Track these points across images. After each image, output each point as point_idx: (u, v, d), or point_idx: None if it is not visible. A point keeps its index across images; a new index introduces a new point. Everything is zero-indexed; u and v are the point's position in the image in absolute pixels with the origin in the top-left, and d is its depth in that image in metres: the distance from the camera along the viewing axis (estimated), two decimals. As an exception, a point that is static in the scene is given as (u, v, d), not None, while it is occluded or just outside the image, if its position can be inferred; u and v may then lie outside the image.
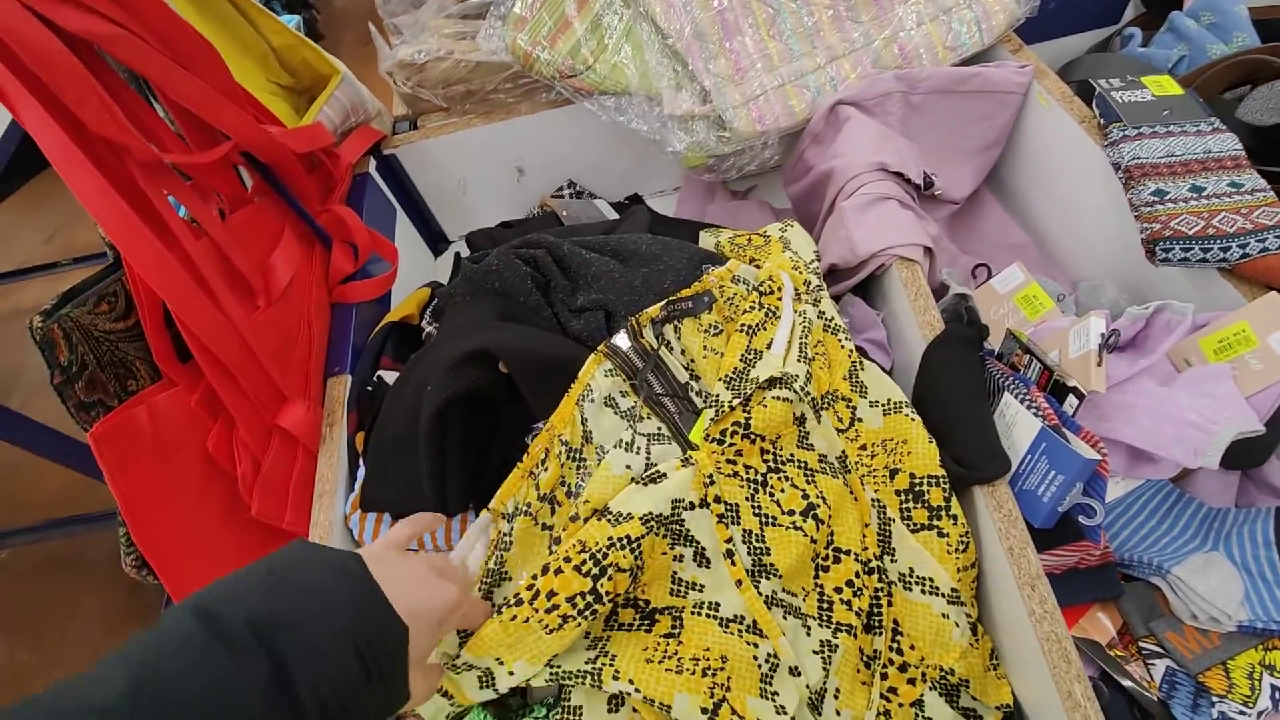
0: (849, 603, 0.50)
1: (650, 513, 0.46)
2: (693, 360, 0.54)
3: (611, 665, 0.46)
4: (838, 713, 0.48)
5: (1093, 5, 0.95)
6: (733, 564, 0.48)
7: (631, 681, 0.45)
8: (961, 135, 0.80)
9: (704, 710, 0.45)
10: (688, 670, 0.46)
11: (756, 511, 0.50)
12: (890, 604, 0.51)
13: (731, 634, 0.47)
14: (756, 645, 0.47)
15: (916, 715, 0.49)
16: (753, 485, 0.51)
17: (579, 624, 0.44)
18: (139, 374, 0.63)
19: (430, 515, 0.47)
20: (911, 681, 0.50)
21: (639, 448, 0.50)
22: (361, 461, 0.61)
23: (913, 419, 0.55)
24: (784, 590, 0.50)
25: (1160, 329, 0.61)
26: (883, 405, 0.57)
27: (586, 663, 0.46)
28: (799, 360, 0.54)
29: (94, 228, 0.53)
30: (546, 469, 0.50)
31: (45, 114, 0.46)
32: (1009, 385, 0.56)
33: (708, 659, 0.46)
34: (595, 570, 0.44)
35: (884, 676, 0.50)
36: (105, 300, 0.60)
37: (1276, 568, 0.52)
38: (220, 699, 0.29)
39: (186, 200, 0.58)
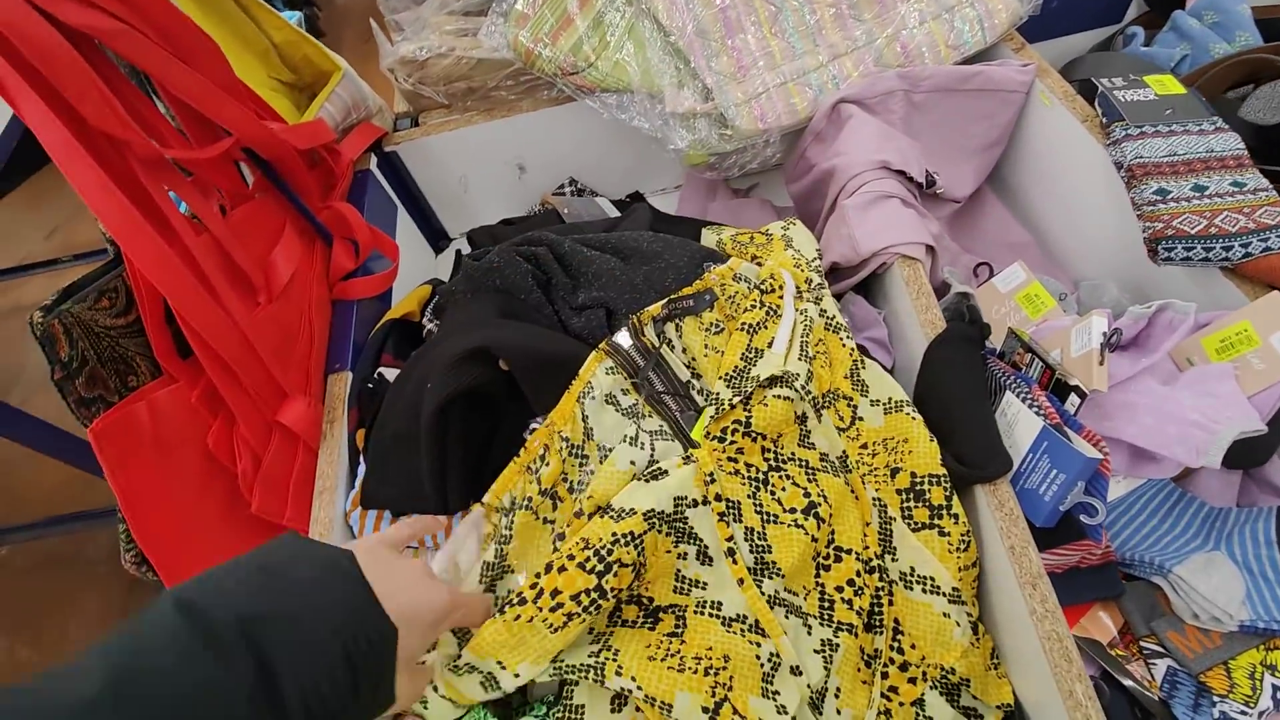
0: (850, 602, 0.50)
1: (653, 509, 0.46)
2: (694, 358, 0.54)
3: (614, 661, 0.45)
4: (838, 712, 0.48)
5: (1095, 4, 0.95)
6: (734, 562, 0.48)
7: (634, 678, 0.45)
8: (964, 134, 0.80)
9: (705, 710, 0.45)
10: (690, 669, 0.46)
11: (758, 509, 0.50)
12: (891, 603, 0.51)
13: (734, 633, 0.47)
14: (759, 645, 0.47)
15: (917, 714, 0.49)
16: (754, 483, 0.51)
17: (584, 620, 0.44)
18: (139, 370, 0.63)
19: (431, 518, 0.47)
20: (912, 680, 0.50)
21: (643, 443, 0.50)
22: (362, 459, 0.61)
23: (914, 418, 0.55)
24: (786, 590, 0.50)
25: (1162, 328, 0.61)
26: (884, 404, 0.57)
27: (590, 657, 0.46)
28: (800, 359, 0.54)
29: (95, 224, 0.53)
30: (548, 464, 0.49)
31: (46, 109, 0.45)
32: (1010, 384, 0.56)
33: (710, 658, 0.46)
34: (600, 567, 0.44)
35: (884, 676, 0.50)
36: (106, 296, 0.60)
37: (1278, 567, 0.51)
38: (204, 700, 0.28)
39: (187, 196, 0.58)
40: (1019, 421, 0.54)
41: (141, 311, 0.57)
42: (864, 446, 0.56)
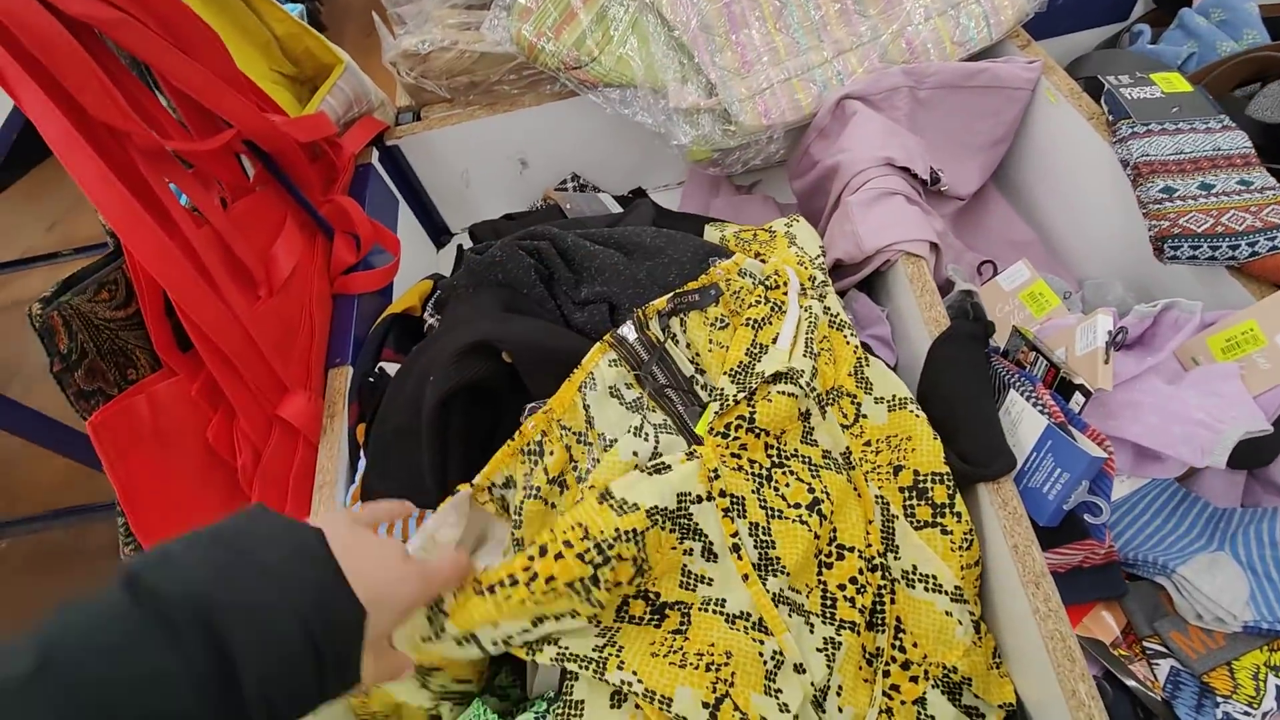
0: (852, 600, 0.50)
1: (656, 506, 0.46)
2: (697, 354, 0.54)
3: (617, 656, 0.45)
4: (840, 710, 0.48)
5: (1102, 1, 0.94)
6: (739, 558, 0.48)
7: (634, 673, 0.45)
8: (969, 131, 0.80)
9: (705, 705, 0.45)
10: (691, 665, 0.46)
11: (763, 505, 0.50)
12: (893, 601, 0.51)
13: (738, 630, 0.47)
14: (762, 642, 0.47)
15: (919, 713, 0.49)
16: (758, 479, 0.51)
17: (573, 599, 0.44)
18: (139, 363, 0.63)
19: (401, 504, 0.45)
20: (914, 679, 0.50)
21: (647, 434, 0.49)
22: (362, 453, 0.60)
23: (917, 415, 0.55)
24: (790, 588, 0.49)
25: (1168, 327, 0.60)
26: (887, 401, 0.56)
27: (594, 650, 0.45)
28: (804, 355, 0.54)
29: (96, 217, 0.52)
30: (551, 453, 0.49)
31: (46, 99, 0.45)
32: (1015, 382, 0.56)
33: (712, 654, 0.46)
34: (599, 559, 0.44)
35: (886, 674, 0.50)
36: (105, 288, 0.59)
37: (1283, 568, 0.51)
38: (144, 682, 0.26)
39: (188, 188, 0.57)
40: (1023, 420, 0.54)
41: (141, 304, 0.57)
42: (867, 444, 0.56)
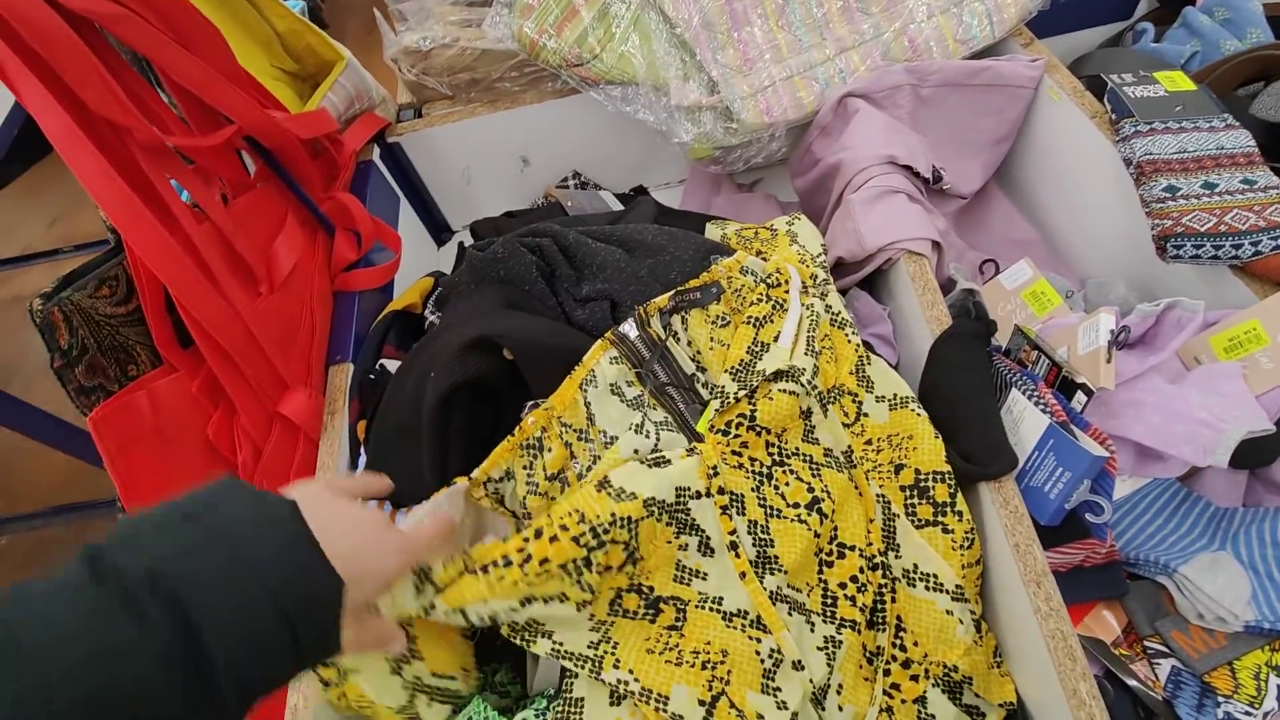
0: (853, 598, 0.50)
1: (653, 497, 0.46)
2: (699, 352, 0.54)
3: (613, 654, 0.45)
4: (840, 708, 0.48)
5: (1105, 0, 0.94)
6: (737, 556, 0.48)
7: (631, 671, 0.45)
8: (971, 129, 0.80)
9: (702, 703, 0.45)
10: (688, 663, 0.46)
11: (762, 503, 0.50)
12: (894, 600, 0.51)
13: (735, 628, 0.47)
14: (759, 640, 0.47)
15: (919, 712, 0.49)
16: (758, 477, 0.51)
17: (564, 581, 0.44)
18: (140, 359, 0.63)
19: (380, 478, 0.43)
20: (914, 678, 0.50)
21: (648, 431, 0.49)
22: (363, 450, 0.60)
23: (919, 414, 0.55)
24: (789, 586, 0.49)
25: (1170, 326, 0.60)
26: (889, 400, 0.56)
27: (589, 646, 0.45)
28: (806, 354, 0.54)
29: (96, 214, 0.52)
30: (549, 450, 0.49)
31: (47, 94, 0.45)
32: (1016, 381, 0.56)
33: (708, 652, 0.46)
34: (593, 543, 0.43)
35: (886, 673, 0.50)
36: (106, 284, 0.59)
37: (1284, 568, 0.51)
38: (109, 663, 0.25)
39: (189, 184, 0.57)
40: (1025, 419, 0.54)
41: (142, 300, 0.57)
42: (868, 443, 0.56)
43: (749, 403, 0.51)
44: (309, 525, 0.31)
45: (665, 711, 0.44)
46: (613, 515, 0.44)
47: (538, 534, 0.43)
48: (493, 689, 0.53)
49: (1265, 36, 0.79)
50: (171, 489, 0.59)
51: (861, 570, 0.50)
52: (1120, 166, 0.67)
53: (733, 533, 0.48)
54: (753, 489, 0.50)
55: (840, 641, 0.49)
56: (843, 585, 0.50)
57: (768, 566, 0.49)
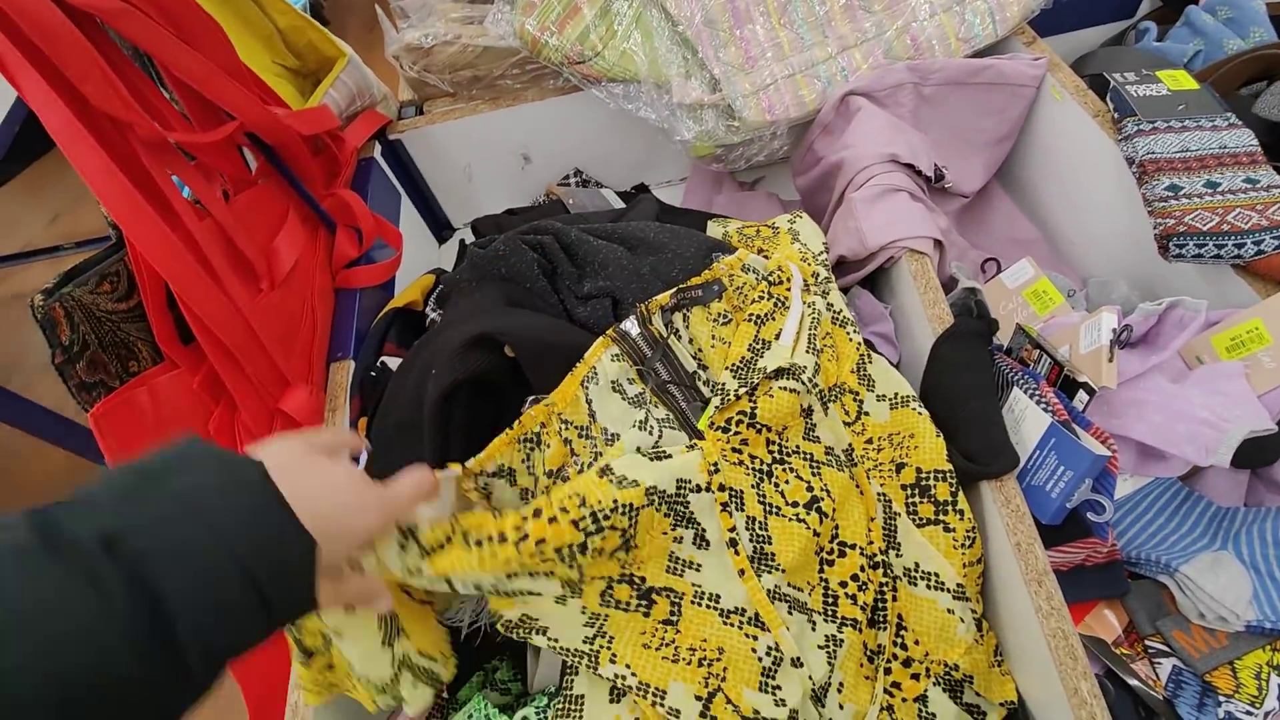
0: (854, 597, 0.50)
1: (655, 486, 0.46)
2: (700, 349, 0.54)
3: (609, 648, 0.45)
4: (841, 706, 0.48)
5: (1108, -1, 0.94)
6: (736, 553, 0.48)
7: (628, 666, 0.45)
8: (973, 128, 0.80)
9: (698, 698, 0.45)
10: (684, 660, 0.46)
11: (761, 500, 0.50)
12: (895, 599, 0.51)
13: (732, 626, 0.47)
14: (756, 639, 0.47)
15: (920, 710, 0.49)
16: (758, 474, 0.51)
17: (557, 563, 0.43)
18: (141, 355, 0.62)
19: (355, 437, 0.42)
20: (915, 677, 0.50)
21: (651, 428, 0.49)
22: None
23: (919, 413, 0.55)
24: (789, 584, 0.49)
25: (1172, 325, 0.60)
26: (890, 400, 0.56)
27: (584, 641, 0.45)
28: (807, 352, 0.54)
29: (97, 211, 0.52)
30: (548, 446, 0.49)
31: (49, 89, 0.45)
32: (1018, 380, 0.56)
33: (705, 649, 0.46)
34: (592, 528, 0.43)
35: (887, 671, 0.50)
36: (107, 280, 0.59)
37: (1286, 567, 0.51)
38: (63, 642, 0.23)
39: (190, 180, 0.57)
40: (1026, 418, 0.54)
41: (143, 296, 0.57)
42: (869, 441, 0.56)
43: (749, 400, 0.51)
44: (278, 485, 0.30)
45: (663, 706, 0.44)
46: (615, 501, 0.44)
47: (536, 513, 0.42)
48: (493, 686, 0.53)
49: (1268, 35, 0.79)
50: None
51: (862, 569, 0.50)
52: (1122, 165, 0.67)
53: (732, 529, 0.48)
54: (752, 486, 0.50)
55: (841, 640, 0.49)
56: (843, 584, 0.50)
57: (765, 564, 0.49)
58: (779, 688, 0.46)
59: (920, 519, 0.52)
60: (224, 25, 0.58)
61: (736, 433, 0.50)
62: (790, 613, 0.49)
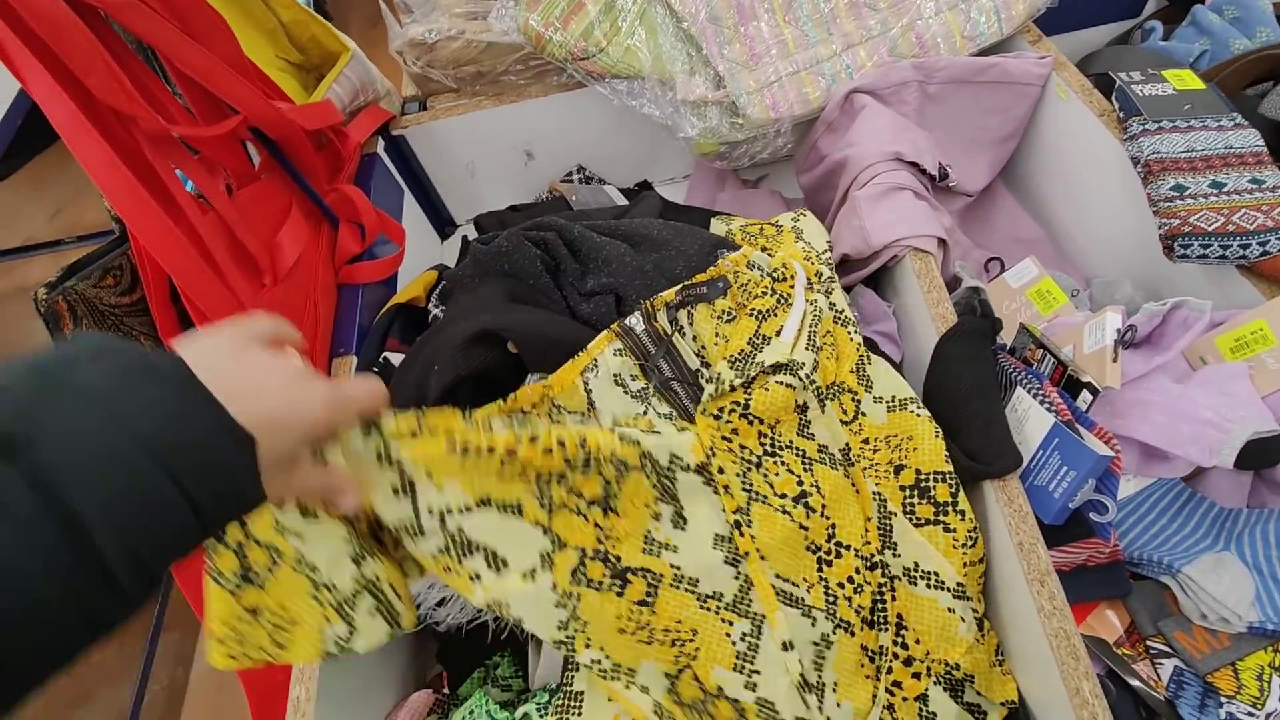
0: (850, 599, 0.50)
1: (649, 452, 0.46)
2: (704, 346, 0.54)
3: (584, 633, 0.45)
4: (839, 705, 0.48)
5: (1114, -2, 0.94)
6: (741, 534, 0.48)
7: (603, 649, 0.45)
8: (978, 126, 0.79)
9: (667, 675, 0.45)
10: (659, 641, 0.46)
11: (746, 488, 0.50)
12: (894, 598, 0.51)
13: (709, 610, 0.47)
14: (732, 624, 0.47)
15: (920, 710, 0.49)
16: (745, 464, 0.50)
17: (530, 489, 0.43)
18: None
19: (294, 329, 0.38)
20: (916, 676, 0.49)
21: (652, 420, 0.49)
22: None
23: (918, 415, 0.54)
24: (777, 576, 0.49)
25: (1177, 326, 0.60)
26: (887, 402, 0.56)
27: (559, 628, 0.44)
28: (807, 349, 0.53)
29: (99, 205, 0.52)
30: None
31: (53, 82, 0.45)
32: (1022, 380, 0.56)
33: (679, 630, 0.46)
34: (582, 465, 0.43)
35: (888, 671, 0.50)
36: (110, 274, 0.59)
37: (1289, 569, 0.51)
38: None
39: (194, 174, 0.57)
40: (1030, 417, 0.54)
41: (146, 290, 0.57)
42: (865, 442, 0.55)
43: (744, 391, 0.51)
44: (205, 379, 0.27)
45: (635, 685, 0.44)
46: (612, 452, 0.44)
47: (533, 439, 0.42)
48: (495, 683, 0.53)
49: (1275, 35, 0.79)
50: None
51: (858, 571, 0.50)
52: (1127, 165, 0.66)
53: (737, 511, 0.48)
54: (738, 475, 0.50)
55: (832, 642, 0.49)
56: (841, 585, 0.50)
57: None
58: (757, 672, 0.46)
59: (918, 519, 0.52)
60: (228, 19, 0.58)
61: (728, 421, 0.50)
62: (784, 605, 0.48)
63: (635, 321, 0.51)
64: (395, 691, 0.59)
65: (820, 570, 0.50)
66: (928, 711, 0.49)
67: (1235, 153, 0.63)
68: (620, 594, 0.46)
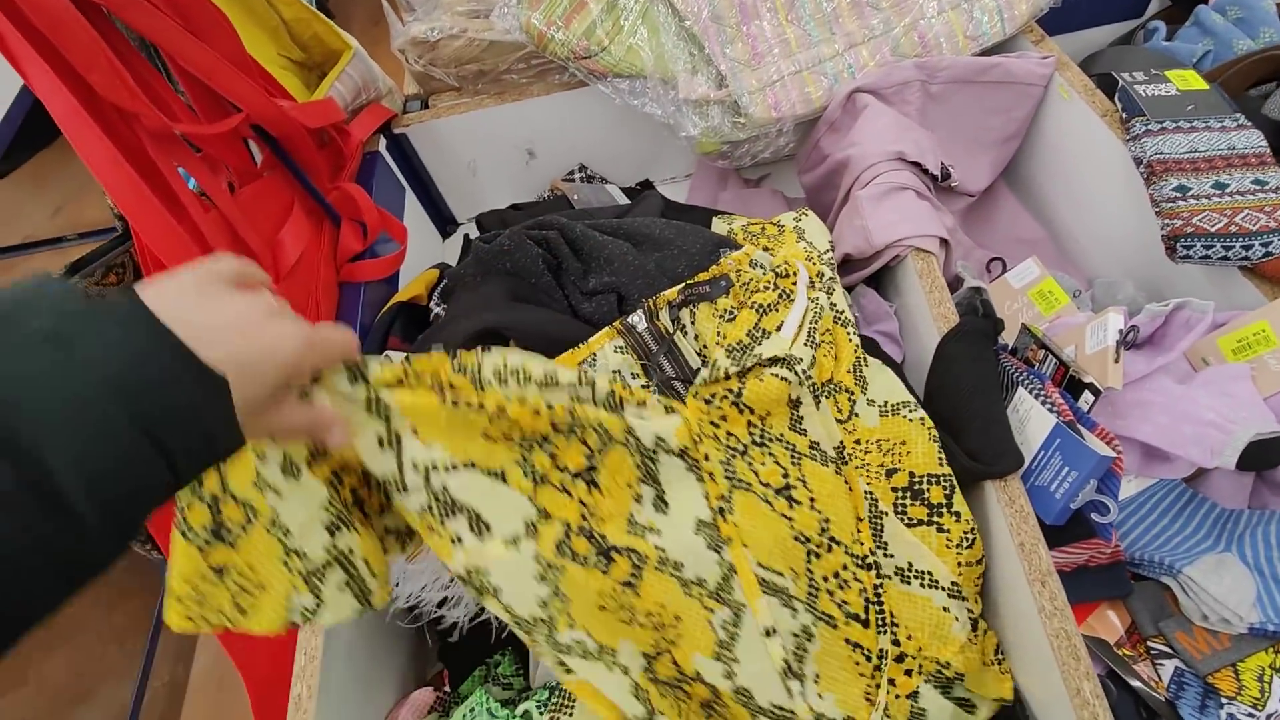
0: (832, 593, 0.49)
1: (632, 429, 0.45)
2: (706, 345, 0.54)
3: (565, 611, 0.44)
4: (820, 696, 0.47)
5: (1117, -2, 0.94)
6: (725, 521, 0.48)
7: (585, 629, 0.44)
8: (980, 126, 0.79)
9: (646, 655, 0.45)
10: (639, 623, 0.45)
11: (729, 475, 0.49)
12: (882, 597, 0.51)
13: (692, 597, 0.47)
14: (714, 611, 0.47)
15: (911, 707, 0.49)
16: (731, 451, 0.50)
17: (513, 453, 0.42)
18: (145, 347, 0.62)
19: (261, 270, 0.36)
20: (909, 673, 0.49)
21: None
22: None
23: (911, 420, 0.54)
24: (759, 565, 0.49)
25: (1179, 327, 0.60)
26: (879, 406, 0.56)
27: (540, 604, 0.43)
28: (805, 345, 0.53)
29: (100, 203, 0.52)
30: None
31: (56, 79, 0.45)
32: (1024, 380, 0.56)
33: (662, 614, 0.46)
34: (567, 428, 0.43)
35: (880, 670, 0.50)
36: (113, 271, 0.59)
37: (1290, 570, 0.51)
38: None
39: (196, 172, 0.57)
40: (1031, 418, 0.54)
41: (148, 288, 0.57)
42: (857, 442, 0.55)
43: (738, 380, 0.50)
44: (168, 320, 0.26)
45: (615, 665, 0.44)
46: (598, 420, 0.44)
47: (522, 401, 0.41)
48: (495, 681, 0.53)
49: (1278, 36, 0.79)
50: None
51: (845, 567, 0.50)
52: (1130, 165, 0.66)
53: (720, 498, 0.48)
54: (722, 461, 0.50)
55: (813, 634, 0.48)
56: (825, 579, 0.50)
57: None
58: (735, 660, 0.46)
59: (910, 519, 0.52)
60: (230, 16, 0.58)
61: (718, 407, 0.50)
62: (765, 593, 0.48)
63: (637, 320, 0.51)
64: (396, 689, 0.59)
65: (809, 562, 0.50)
66: (917, 708, 0.49)
67: (1238, 154, 0.63)
68: (605, 571, 0.45)
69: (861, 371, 0.57)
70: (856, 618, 0.50)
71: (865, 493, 0.52)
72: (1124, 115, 0.68)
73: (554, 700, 0.48)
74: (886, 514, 0.52)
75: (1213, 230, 0.59)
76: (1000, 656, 0.51)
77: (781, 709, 0.46)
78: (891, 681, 0.49)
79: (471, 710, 0.50)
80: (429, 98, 0.91)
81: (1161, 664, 0.51)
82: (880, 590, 0.50)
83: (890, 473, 0.53)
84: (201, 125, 0.58)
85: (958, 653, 0.49)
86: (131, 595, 1.21)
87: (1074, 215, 0.80)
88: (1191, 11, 0.84)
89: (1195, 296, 0.60)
